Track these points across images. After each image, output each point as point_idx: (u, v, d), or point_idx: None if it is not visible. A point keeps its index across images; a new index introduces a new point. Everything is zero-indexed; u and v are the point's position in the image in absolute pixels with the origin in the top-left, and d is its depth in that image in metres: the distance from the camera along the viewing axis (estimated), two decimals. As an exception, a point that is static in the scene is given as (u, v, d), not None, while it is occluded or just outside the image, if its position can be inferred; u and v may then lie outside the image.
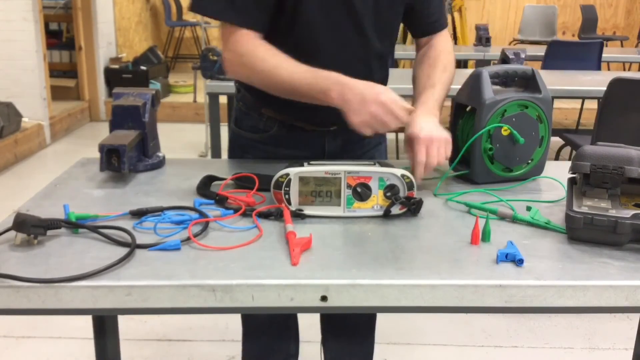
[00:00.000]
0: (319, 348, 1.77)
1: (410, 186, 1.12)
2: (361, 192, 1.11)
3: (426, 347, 2.33)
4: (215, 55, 3.06)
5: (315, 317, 1.73)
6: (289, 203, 1.11)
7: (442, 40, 1.47)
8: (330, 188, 1.11)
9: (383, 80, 1.46)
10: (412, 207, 1.12)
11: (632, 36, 8.27)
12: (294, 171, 1.10)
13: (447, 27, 1.50)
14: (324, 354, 1.75)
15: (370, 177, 1.11)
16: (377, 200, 1.11)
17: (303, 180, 1.11)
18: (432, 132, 1.21)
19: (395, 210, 1.12)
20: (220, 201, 1.16)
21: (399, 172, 1.11)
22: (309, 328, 1.80)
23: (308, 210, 1.11)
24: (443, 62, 1.42)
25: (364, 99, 1.16)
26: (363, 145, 1.51)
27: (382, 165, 1.15)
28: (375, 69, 1.41)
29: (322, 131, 1.45)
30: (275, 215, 1.10)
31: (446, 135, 1.23)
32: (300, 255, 0.94)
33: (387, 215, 1.12)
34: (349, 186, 1.11)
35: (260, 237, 1.02)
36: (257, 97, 1.46)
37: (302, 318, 1.77)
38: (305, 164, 1.14)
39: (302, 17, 1.29)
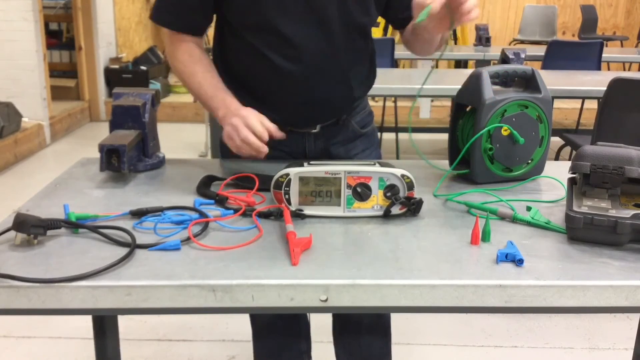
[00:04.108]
0: (333, 347, 1.77)
1: (410, 186, 1.12)
2: (361, 192, 1.11)
3: (426, 347, 2.33)
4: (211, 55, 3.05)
5: (328, 316, 1.72)
6: (289, 203, 1.10)
7: None
8: (330, 188, 1.11)
9: (361, 74, 1.45)
10: (412, 207, 1.12)
11: (632, 36, 8.27)
12: (294, 171, 1.10)
13: None
14: (335, 354, 1.75)
15: (370, 177, 1.11)
16: (377, 200, 1.11)
17: (303, 180, 1.10)
18: None
19: (395, 210, 1.12)
20: (221, 201, 1.16)
21: (399, 172, 1.11)
22: (323, 327, 1.79)
23: (308, 210, 1.11)
24: None
25: (237, 124, 1.28)
26: (347, 150, 1.51)
27: (382, 165, 1.15)
28: (348, 62, 1.39)
29: (303, 132, 1.46)
30: (275, 215, 1.10)
31: None
32: (300, 255, 0.94)
33: (387, 215, 1.12)
34: (349, 186, 1.11)
35: (260, 237, 1.02)
36: (236, 91, 1.47)
37: (314, 317, 1.76)
38: (305, 163, 1.14)
39: (261, 19, 1.32)
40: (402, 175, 1.11)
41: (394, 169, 1.12)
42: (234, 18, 1.36)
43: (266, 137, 1.26)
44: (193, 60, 1.39)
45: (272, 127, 1.29)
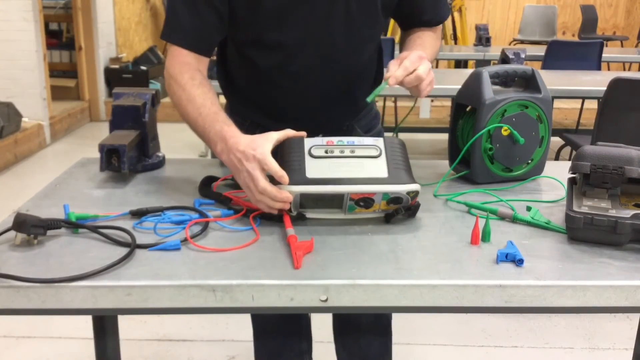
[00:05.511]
0: (333, 347, 1.77)
1: (414, 196, 1.09)
2: (364, 205, 1.08)
3: (426, 347, 2.33)
4: (214, 55, 3.05)
5: (329, 316, 1.72)
6: (290, 211, 1.07)
7: (436, 30, 1.44)
8: (333, 198, 1.08)
9: (366, 85, 1.43)
10: (409, 212, 1.11)
11: (632, 36, 8.27)
12: (295, 190, 1.05)
13: (440, 23, 1.43)
14: (336, 353, 1.75)
15: (374, 193, 1.06)
16: (379, 207, 1.09)
17: (305, 195, 1.06)
18: (423, 57, 1.18)
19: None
20: (224, 202, 1.15)
21: (405, 189, 1.06)
22: (324, 327, 1.79)
23: (309, 214, 1.10)
24: (438, 33, 1.41)
25: (240, 160, 1.08)
26: None
27: (388, 160, 1.09)
28: (352, 77, 1.38)
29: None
30: (276, 218, 1.09)
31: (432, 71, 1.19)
32: (302, 258, 0.94)
33: (388, 220, 1.10)
34: (351, 199, 1.07)
35: (257, 241, 1.02)
36: (237, 102, 1.46)
37: (315, 316, 1.76)
38: (310, 143, 1.09)
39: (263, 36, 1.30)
40: (409, 192, 1.07)
41: (400, 187, 1.06)
42: (235, 34, 1.33)
43: (286, 180, 1.05)
44: (194, 83, 1.24)
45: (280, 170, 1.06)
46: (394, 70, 1.15)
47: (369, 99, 1.22)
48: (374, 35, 1.38)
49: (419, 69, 1.16)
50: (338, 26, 1.29)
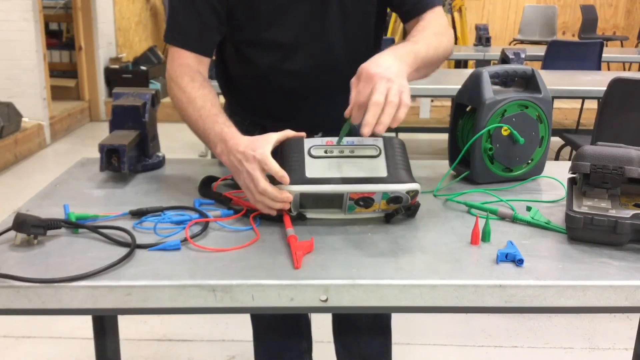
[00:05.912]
0: (333, 347, 1.76)
1: (414, 196, 1.08)
2: (364, 204, 1.08)
3: (426, 347, 2.33)
4: (214, 55, 3.05)
5: (329, 315, 1.72)
6: (290, 211, 1.08)
7: (434, 16, 1.30)
8: (333, 198, 1.08)
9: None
10: (409, 212, 1.11)
11: (632, 36, 8.27)
12: (295, 189, 1.05)
13: (437, 5, 1.31)
14: (336, 353, 1.75)
15: (374, 192, 1.06)
16: (379, 207, 1.10)
17: (305, 195, 1.07)
18: (388, 69, 1.02)
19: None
20: (224, 202, 1.15)
21: (404, 188, 1.06)
22: (324, 326, 1.79)
23: (309, 214, 1.10)
24: (434, 28, 1.26)
25: (240, 161, 1.07)
26: None
27: (387, 157, 1.08)
28: (351, 75, 1.37)
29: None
30: (276, 218, 1.09)
31: (405, 85, 1.02)
32: (302, 258, 0.94)
33: (388, 220, 1.10)
34: (351, 199, 1.07)
35: (257, 241, 1.02)
36: (236, 102, 1.46)
37: (315, 316, 1.76)
38: (309, 144, 1.09)
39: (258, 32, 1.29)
40: (408, 191, 1.06)
41: (400, 186, 1.05)
42: (233, 34, 1.33)
43: (287, 180, 1.04)
44: (194, 85, 1.24)
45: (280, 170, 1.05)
46: (353, 99, 1.05)
47: (339, 139, 1.12)
48: (371, 31, 1.38)
49: (372, 97, 1.00)
50: (334, 24, 1.30)
